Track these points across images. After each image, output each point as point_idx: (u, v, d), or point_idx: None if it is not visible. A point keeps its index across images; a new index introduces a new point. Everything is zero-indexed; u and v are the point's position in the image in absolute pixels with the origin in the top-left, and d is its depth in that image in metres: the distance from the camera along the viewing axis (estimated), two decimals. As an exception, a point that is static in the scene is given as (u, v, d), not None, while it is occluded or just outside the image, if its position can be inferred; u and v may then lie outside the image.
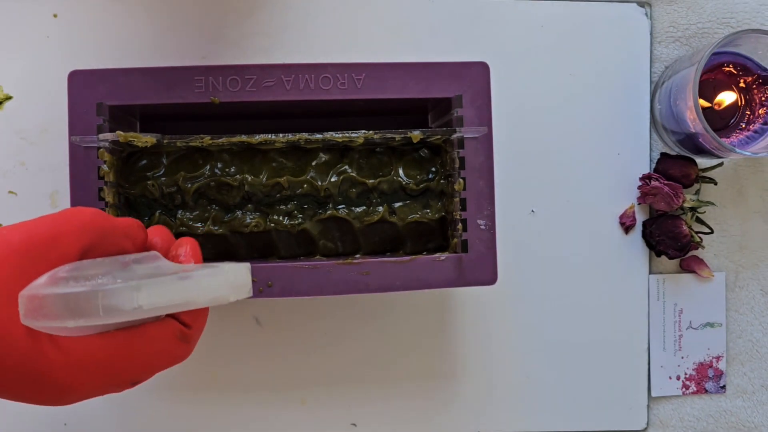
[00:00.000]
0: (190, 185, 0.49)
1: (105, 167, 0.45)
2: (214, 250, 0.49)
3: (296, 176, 0.49)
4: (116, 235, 0.34)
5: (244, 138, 0.46)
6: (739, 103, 0.55)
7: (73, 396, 0.32)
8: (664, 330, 0.57)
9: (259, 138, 0.46)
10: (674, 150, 0.57)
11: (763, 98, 0.54)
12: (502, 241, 0.52)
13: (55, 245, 0.31)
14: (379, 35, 0.56)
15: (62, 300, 0.29)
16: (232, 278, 0.34)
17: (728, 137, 0.54)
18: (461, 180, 0.46)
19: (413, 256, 0.46)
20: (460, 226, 0.47)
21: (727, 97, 0.54)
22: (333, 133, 0.46)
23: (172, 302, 0.31)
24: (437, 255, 0.46)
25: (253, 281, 0.45)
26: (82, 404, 0.54)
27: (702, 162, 0.57)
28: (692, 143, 0.53)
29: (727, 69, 0.54)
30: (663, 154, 0.57)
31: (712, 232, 0.57)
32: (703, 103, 0.54)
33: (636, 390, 0.57)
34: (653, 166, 0.57)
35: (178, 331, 0.34)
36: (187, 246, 0.37)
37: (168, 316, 0.34)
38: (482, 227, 0.46)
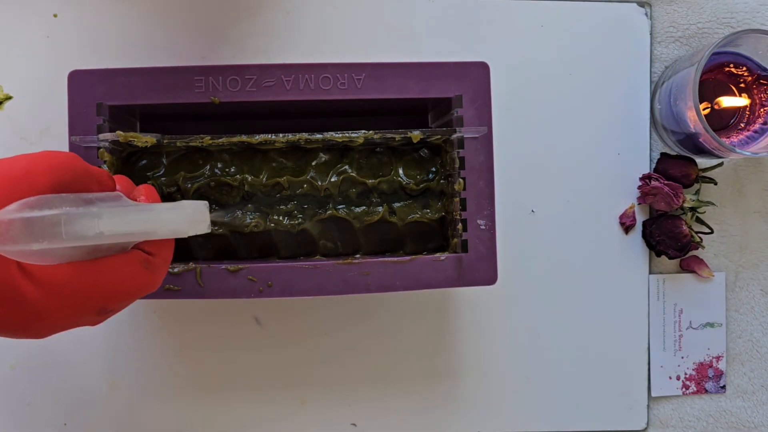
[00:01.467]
0: (190, 185, 0.49)
1: (105, 167, 0.45)
2: (214, 250, 0.49)
3: (296, 176, 0.49)
4: (88, 178, 0.36)
5: (244, 138, 0.46)
6: (740, 104, 0.55)
7: (43, 323, 0.33)
8: (664, 330, 0.57)
9: (259, 138, 0.46)
10: (674, 150, 0.57)
11: (763, 98, 0.54)
12: (502, 241, 0.52)
13: (28, 180, 0.33)
14: (379, 35, 0.56)
15: (27, 223, 0.30)
16: (191, 213, 0.37)
17: (728, 137, 0.54)
18: (461, 180, 0.46)
19: (413, 256, 0.46)
20: (460, 226, 0.47)
21: (730, 102, 0.54)
22: (333, 133, 0.46)
23: (133, 230, 0.34)
24: (437, 255, 0.46)
25: (253, 281, 0.45)
26: (83, 404, 0.54)
27: (702, 162, 0.57)
28: (692, 143, 0.53)
29: (727, 69, 0.54)
30: (663, 154, 0.57)
31: (712, 232, 0.57)
32: (703, 103, 0.54)
33: (636, 390, 0.57)
34: (653, 166, 0.57)
35: (143, 259, 0.36)
36: (144, 191, 0.39)
37: (133, 248, 0.36)
38: (482, 227, 0.46)
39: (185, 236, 0.36)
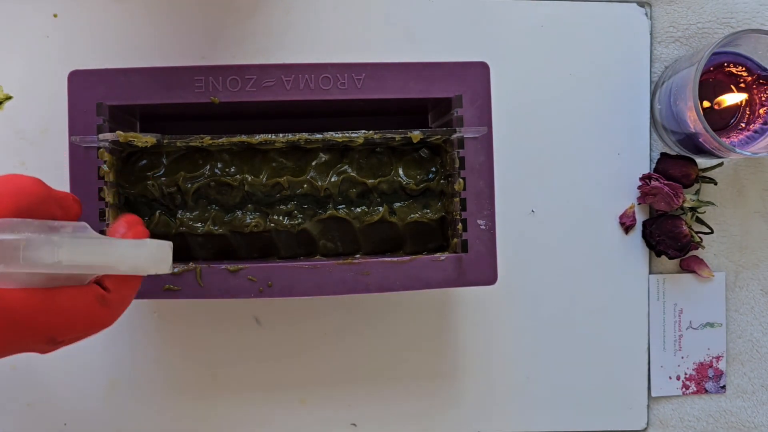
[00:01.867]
0: (190, 185, 0.49)
1: (105, 167, 0.45)
2: (214, 250, 0.49)
3: (296, 176, 0.49)
4: (51, 203, 0.36)
5: (244, 138, 0.46)
6: (739, 103, 0.55)
7: None
8: (664, 330, 0.57)
9: (259, 138, 0.46)
10: (674, 150, 0.57)
11: (763, 98, 0.54)
12: (502, 241, 0.52)
13: None
14: (379, 35, 0.56)
15: None
16: (154, 252, 0.37)
17: (728, 137, 0.54)
18: (461, 180, 0.46)
19: (413, 256, 0.46)
20: (460, 226, 0.47)
21: (729, 100, 0.54)
22: (333, 133, 0.46)
23: (92, 262, 0.34)
24: (437, 255, 0.46)
25: (253, 281, 0.45)
26: (83, 404, 0.54)
27: (702, 162, 0.57)
28: (692, 143, 0.53)
29: (727, 69, 0.54)
30: (663, 154, 0.57)
31: (712, 232, 0.57)
32: (705, 103, 0.54)
33: (636, 390, 0.57)
34: (653, 166, 0.57)
35: (99, 295, 0.36)
36: (124, 222, 0.39)
37: (92, 282, 0.36)
38: (482, 227, 0.46)
39: (145, 274, 0.36)
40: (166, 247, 0.37)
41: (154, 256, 0.36)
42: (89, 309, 0.35)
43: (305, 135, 0.46)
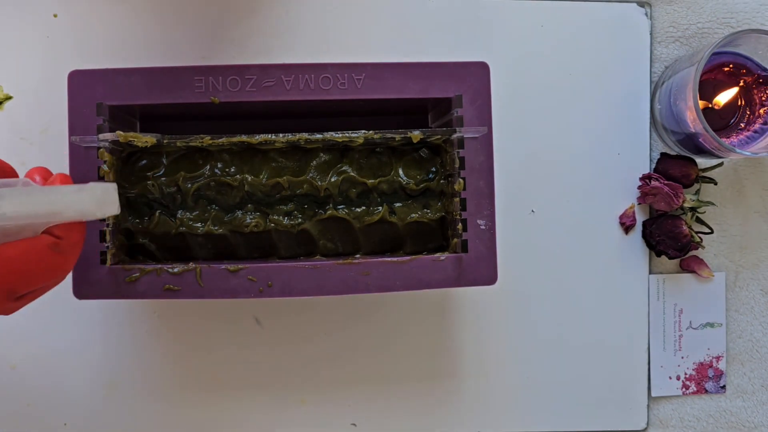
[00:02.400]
0: (190, 185, 0.49)
1: (105, 167, 0.45)
2: (214, 250, 0.49)
3: (296, 176, 0.49)
4: None
5: (244, 138, 0.46)
6: (739, 103, 0.55)
7: None
8: (664, 330, 0.57)
9: (259, 138, 0.46)
10: (674, 150, 0.57)
11: (763, 98, 0.54)
12: (502, 241, 0.52)
13: None
14: (379, 35, 0.56)
15: None
16: (99, 195, 0.36)
17: (728, 137, 0.54)
18: (461, 180, 0.46)
19: (413, 256, 0.46)
20: (460, 226, 0.47)
21: (725, 97, 0.54)
22: (333, 133, 0.46)
23: (36, 212, 0.34)
24: (437, 255, 0.46)
25: (253, 281, 0.45)
26: (83, 404, 0.54)
27: (702, 162, 0.57)
28: (692, 143, 0.53)
29: (727, 69, 0.54)
30: (663, 154, 0.57)
31: (712, 232, 0.57)
32: (703, 103, 0.54)
33: (636, 390, 0.57)
34: (653, 166, 0.57)
35: (51, 243, 0.36)
36: (60, 178, 0.39)
37: (42, 232, 0.36)
38: (482, 227, 0.46)
39: (94, 218, 0.36)
40: (111, 189, 0.37)
41: (99, 198, 0.36)
42: (43, 258, 0.36)
43: (305, 135, 0.46)
